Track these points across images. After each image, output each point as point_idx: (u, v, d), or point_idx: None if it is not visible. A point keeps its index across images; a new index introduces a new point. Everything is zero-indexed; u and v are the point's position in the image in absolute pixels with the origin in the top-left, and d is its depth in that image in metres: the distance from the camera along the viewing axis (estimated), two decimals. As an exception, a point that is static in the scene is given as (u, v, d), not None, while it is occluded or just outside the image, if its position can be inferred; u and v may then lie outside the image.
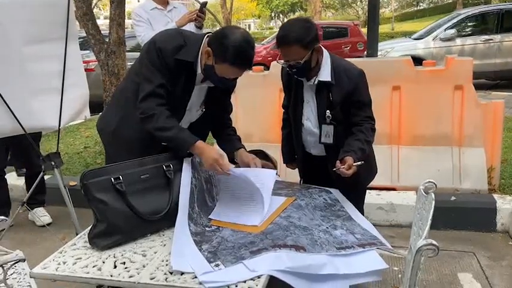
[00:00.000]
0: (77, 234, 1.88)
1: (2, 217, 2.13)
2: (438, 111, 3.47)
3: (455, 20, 9.51)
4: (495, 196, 3.27)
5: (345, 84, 2.00)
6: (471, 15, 9.59)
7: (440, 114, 3.47)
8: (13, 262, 1.90)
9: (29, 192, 3.07)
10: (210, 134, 2.25)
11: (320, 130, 2.10)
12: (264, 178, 1.88)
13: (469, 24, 9.57)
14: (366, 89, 2.06)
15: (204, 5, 3.40)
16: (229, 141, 2.15)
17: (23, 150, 3.31)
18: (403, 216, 3.25)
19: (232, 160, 2.11)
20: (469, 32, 9.39)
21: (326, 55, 2.05)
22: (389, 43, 10.59)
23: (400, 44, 10.10)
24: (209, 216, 1.81)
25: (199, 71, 1.91)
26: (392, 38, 15.05)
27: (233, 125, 2.24)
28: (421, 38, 9.61)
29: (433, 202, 1.48)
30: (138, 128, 1.96)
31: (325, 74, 2.02)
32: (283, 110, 2.39)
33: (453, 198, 3.25)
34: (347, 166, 1.88)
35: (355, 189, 2.17)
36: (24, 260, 1.97)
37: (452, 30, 9.15)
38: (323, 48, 2.04)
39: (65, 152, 5.03)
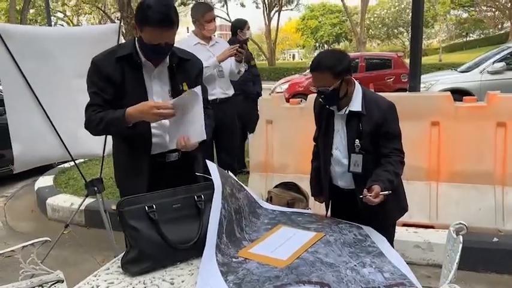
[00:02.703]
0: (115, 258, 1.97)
1: (47, 238, 2.27)
2: (479, 148, 3.38)
3: (504, 53, 9.20)
4: (541, 239, 3.11)
5: (375, 116, 2.05)
6: (522, 47, 9.28)
7: (481, 152, 3.37)
8: (52, 282, 2.02)
9: (73, 214, 3.22)
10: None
11: (349, 159, 2.13)
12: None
13: (519, 57, 9.24)
14: (395, 121, 2.08)
15: (245, 41, 3.54)
16: None
17: None
18: (441, 256, 3.12)
19: None
20: (520, 66, 9.06)
21: (358, 87, 2.12)
22: (433, 75, 10.38)
23: (445, 76, 9.88)
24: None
25: (143, 59, 1.98)
26: (439, 70, 14.76)
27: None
28: (468, 71, 9.36)
29: (461, 245, 1.45)
30: (120, 146, 2.12)
31: (356, 105, 2.08)
32: (314, 143, 2.43)
33: (495, 239, 3.11)
34: (374, 194, 1.88)
35: (383, 223, 2.14)
36: (62, 281, 2.08)
37: (502, 63, 8.85)
38: (355, 80, 2.11)
39: (110, 176, 5.24)
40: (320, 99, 2.12)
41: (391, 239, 2.26)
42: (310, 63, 2.10)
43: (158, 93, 2.05)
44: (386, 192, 1.92)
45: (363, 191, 1.95)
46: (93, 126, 1.98)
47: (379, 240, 1.97)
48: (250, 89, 4.93)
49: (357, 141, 2.08)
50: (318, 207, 2.85)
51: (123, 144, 2.10)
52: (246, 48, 3.58)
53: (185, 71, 2.11)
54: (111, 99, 1.98)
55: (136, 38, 1.97)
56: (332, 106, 2.13)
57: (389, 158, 2.05)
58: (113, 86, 1.97)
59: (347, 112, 2.10)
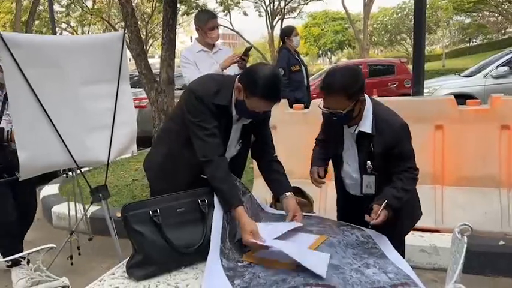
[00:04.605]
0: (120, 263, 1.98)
1: (52, 245, 2.27)
2: (484, 151, 3.38)
3: (508, 57, 9.20)
4: (549, 242, 3.08)
5: (387, 137, 1.98)
6: (525, 51, 9.27)
7: (486, 155, 3.37)
8: (58, 288, 2.02)
9: (77, 222, 3.22)
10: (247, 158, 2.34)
11: (361, 181, 2.11)
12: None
13: (523, 61, 9.22)
14: (408, 141, 2.03)
15: (248, 49, 3.57)
16: (277, 182, 2.21)
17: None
18: (447, 260, 3.08)
19: (278, 199, 2.19)
20: (524, 69, 9.04)
21: (369, 104, 2.03)
22: (437, 81, 10.39)
23: (448, 81, 9.89)
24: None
25: (234, 112, 2.02)
26: (442, 75, 14.76)
27: (282, 167, 2.29)
28: (471, 76, 9.37)
29: (465, 245, 1.44)
30: (182, 169, 2.10)
31: (366, 125, 2.01)
32: (316, 143, 2.40)
33: (502, 242, 3.09)
34: (374, 214, 1.90)
35: (393, 236, 2.15)
36: (68, 287, 2.09)
37: (505, 67, 8.85)
38: (367, 97, 2.03)
39: (114, 184, 5.27)
40: (332, 119, 2.01)
41: (402, 246, 2.25)
42: (321, 81, 2.00)
43: (231, 141, 2.13)
44: (383, 204, 1.91)
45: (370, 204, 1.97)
46: (214, 173, 1.93)
47: (380, 241, 1.97)
48: (285, 95, 4.85)
49: (369, 163, 2.04)
50: (323, 213, 2.85)
51: (188, 167, 2.09)
52: (249, 56, 3.59)
53: (256, 126, 2.18)
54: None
55: (233, 94, 1.99)
56: (342, 124, 2.08)
57: (401, 175, 2.02)
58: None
59: (356, 132, 2.04)
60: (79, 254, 3.50)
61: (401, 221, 2.11)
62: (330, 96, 1.94)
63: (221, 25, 23.10)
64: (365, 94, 2.01)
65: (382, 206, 1.91)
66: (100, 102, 2.89)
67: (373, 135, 1.99)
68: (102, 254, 3.60)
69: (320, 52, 53.07)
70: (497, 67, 8.96)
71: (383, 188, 2.04)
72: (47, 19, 21.28)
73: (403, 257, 2.09)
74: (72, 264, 3.38)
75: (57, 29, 18.17)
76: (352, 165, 2.14)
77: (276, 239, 1.87)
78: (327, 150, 2.31)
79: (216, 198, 1.91)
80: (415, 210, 2.26)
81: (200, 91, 1.98)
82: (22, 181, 2.77)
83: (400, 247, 2.18)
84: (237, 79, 2.00)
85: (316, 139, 2.41)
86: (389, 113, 2.06)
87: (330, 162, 2.35)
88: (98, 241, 3.78)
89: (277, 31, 30.61)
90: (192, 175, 2.05)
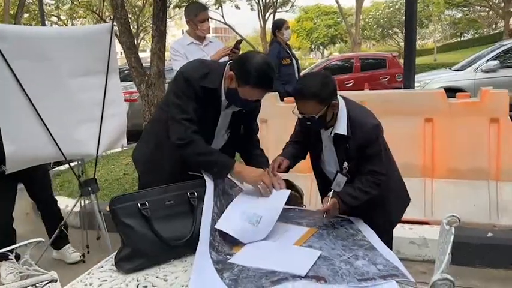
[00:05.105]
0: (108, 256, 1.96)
1: (41, 239, 2.25)
2: (473, 144, 3.40)
3: (498, 51, 9.25)
4: (536, 233, 3.12)
5: (359, 138, 2.01)
6: (515, 46, 9.32)
7: (475, 147, 3.40)
8: (46, 282, 2.00)
9: (67, 215, 3.20)
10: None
11: (334, 177, 2.12)
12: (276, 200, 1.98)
13: (513, 55, 9.28)
14: (377, 143, 2.04)
15: (239, 42, 3.55)
16: (255, 159, 2.22)
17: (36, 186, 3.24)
18: (436, 252, 3.13)
19: None
20: (514, 63, 9.10)
21: (342, 107, 2.04)
22: (428, 74, 10.43)
23: (439, 75, 9.92)
24: (229, 261, 1.74)
25: (223, 97, 2.00)
26: (433, 69, 14.83)
27: (266, 155, 2.30)
28: (462, 70, 9.41)
29: (452, 236, 1.45)
30: (169, 157, 2.08)
31: (341, 127, 2.02)
32: (286, 145, 2.36)
33: (490, 234, 3.12)
34: (324, 204, 2.00)
35: (385, 225, 2.16)
36: (56, 281, 2.07)
37: (495, 62, 8.90)
38: (340, 98, 2.05)
39: (105, 178, 5.23)
40: (307, 123, 2.03)
41: (391, 244, 2.27)
42: (294, 89, 2.03)
43: (219, 129, 2.12)
44: (330, 194, 2.01)
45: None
46: (197, 150, 1.96)
47: (369, 234, 1.99)
48: (276, 88, 4.82)
49: (345, 164, 2.07)
50: (313, 205, 2.85)
51: (175, 157, 2.06)
52: (240, 48, 3.57)
53: (246, 116, 2.17)
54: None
55: (223, 80, 1.97)
56: (316, 129, 2.10)
57: (362, 177, 2.06)
58: (199, 108, 1.98)
59: (332, 135, 2.06)
60: (88, 252, 3.48)
61: (390, 211, 2.18)
62: (303, 101, 1.96)
63: (213, 18, 22.93)
64: (338, 96, 2.02)
65: (330, 195, 2.00)
66: (89, 94, 2.87)
67: (348, 136, 2.02)
68: (92, 248, 3.58)
69: (312, 46, 53.10)
70: (487, 61, 9.00)
71: None
72: (36, 12, 21.02)
73: (391, 250, 2.12)
74: (84, 262, 3.38)
75: (46, 22, 17.93)
76: (333, 166, 2.17)
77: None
78: (300, 151, 2.32)
79: (206, 191, 1.90)
80: (404, 199, 2.32)
81: (188, 72, 1.97)
82: (31, 176, 2.73)
83: (389, 241, 2.21)
84: (228, 66, 1.98)
85: (288, 142, 2.40)
86: (363, 114, 2.07)
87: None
88: (88, 235, 3.76)
89: (269, 25, 30.49)
90: (179, 165, 2.04)
